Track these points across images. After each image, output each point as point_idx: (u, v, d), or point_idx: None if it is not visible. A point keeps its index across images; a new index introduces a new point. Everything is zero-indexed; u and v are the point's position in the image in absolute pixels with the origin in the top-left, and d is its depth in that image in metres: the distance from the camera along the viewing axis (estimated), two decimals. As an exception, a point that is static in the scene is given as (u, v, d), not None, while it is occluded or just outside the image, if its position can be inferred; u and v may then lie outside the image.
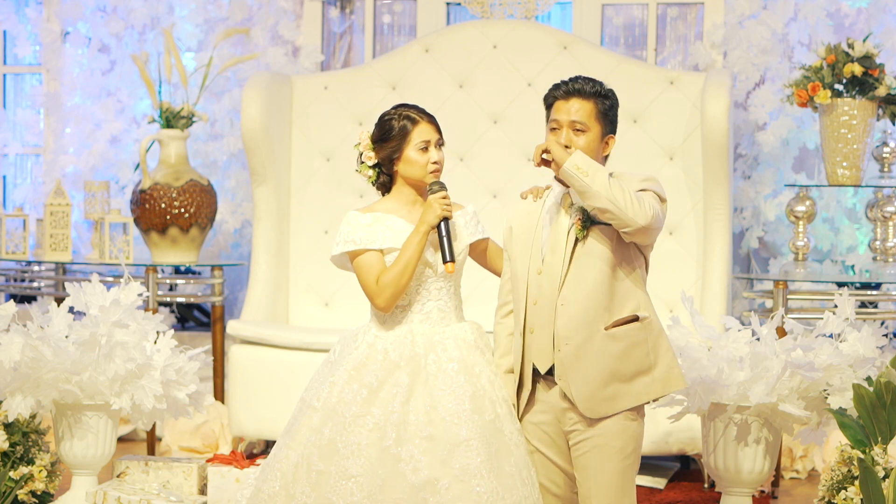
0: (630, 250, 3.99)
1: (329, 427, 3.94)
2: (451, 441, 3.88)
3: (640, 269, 4.02)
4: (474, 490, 3.84)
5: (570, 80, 4.04)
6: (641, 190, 3.93)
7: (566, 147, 3.96)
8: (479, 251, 4.25)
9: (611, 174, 3.91)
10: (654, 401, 4.04)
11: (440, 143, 4.12)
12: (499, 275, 4.25)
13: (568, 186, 3.97)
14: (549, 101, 4.05)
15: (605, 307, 3.94)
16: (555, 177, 4.01)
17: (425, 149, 4.10)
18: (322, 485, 3.89)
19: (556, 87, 4.05)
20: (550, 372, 4.00)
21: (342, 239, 4.10)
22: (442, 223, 4.03)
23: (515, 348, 4.06)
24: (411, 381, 3.96)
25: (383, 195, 4.21)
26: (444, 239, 4.02)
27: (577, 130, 3.97)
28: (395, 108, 4.17)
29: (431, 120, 4.13)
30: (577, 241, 3.96)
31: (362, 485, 3.85)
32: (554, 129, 4.01)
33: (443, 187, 4.08)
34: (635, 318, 3.96)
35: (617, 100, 4.06)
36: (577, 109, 3.98)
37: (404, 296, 4.07)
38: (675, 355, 4.10)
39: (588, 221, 3.94)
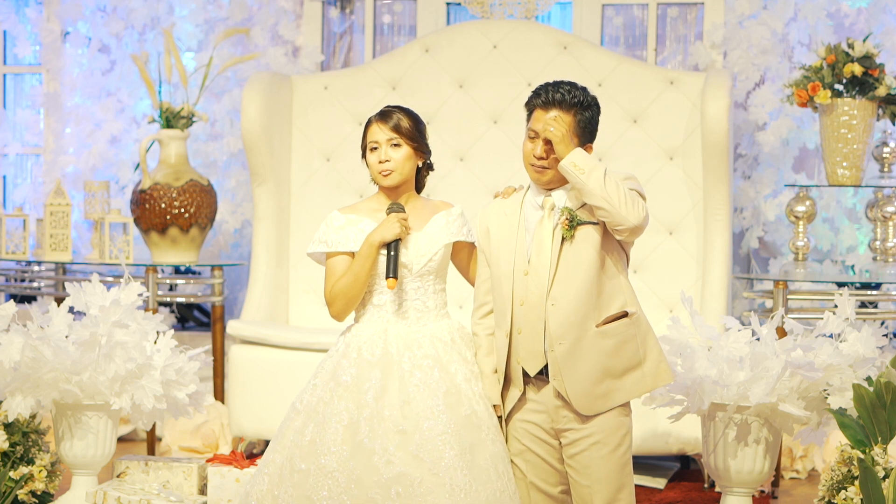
0: (614, 247, 4.00)
1: (310, 428, 4.00)
2: (425, 435, 3.91)
3: (623, 265, 4.04)
4: (447, 483, 3.86)
5: (553, 86, 3.98)
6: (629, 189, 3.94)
7: (541, 158, 3.95)
8: (463, 255, 4.22)
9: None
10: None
11: (394, 143, 4.08)
12: (472, 282, 4.23)
13: (549, 189, 4.00)
14: (530, 108, 4.00)
15: (594, 305, 3.95)
16: (532, 178, 4.01)
17: (375, 149, 4.11)
18: (303, 484, 3.94)
19: (537, 93, 3.99)
20: (541, 372, 4.01)
21: (317, 238, 4.16)
22: (394, 241, 4.02)
23: (500, 349, 4.06)
24: (383, 375, 3.99)
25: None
26: (392, 257, 4.02)
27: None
28: None
29: (386, 119, 4.09)
30: (563, 240, 3.96)
31: (339, 480, 3.89)
32: (532, 137, 3.99)
33: (401, 209, 4.08)
34: (624, 315, 3.99)
35: (598, 107, 4.01)
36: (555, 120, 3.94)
37: (380, 294, 4.08)
38: (662, 350, 4.12)
39: (574, 221, 3.95)
